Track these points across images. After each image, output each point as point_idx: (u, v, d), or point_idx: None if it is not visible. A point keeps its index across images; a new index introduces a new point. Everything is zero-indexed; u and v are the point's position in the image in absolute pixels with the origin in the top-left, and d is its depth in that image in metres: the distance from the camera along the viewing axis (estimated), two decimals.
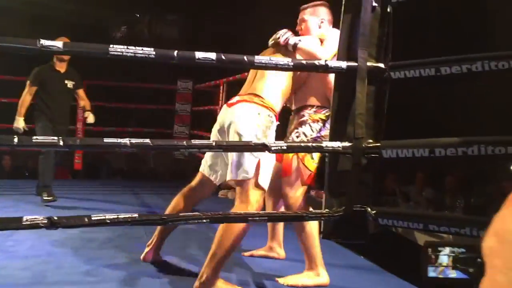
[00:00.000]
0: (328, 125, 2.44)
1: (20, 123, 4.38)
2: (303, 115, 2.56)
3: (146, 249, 2.71)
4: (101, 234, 3.28)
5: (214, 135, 2.48)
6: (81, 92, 4.70)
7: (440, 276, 2.60)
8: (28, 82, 4.40)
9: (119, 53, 1.64)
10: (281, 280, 2.53)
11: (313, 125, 2.52)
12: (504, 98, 4.88)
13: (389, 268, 2.96)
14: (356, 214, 2.04)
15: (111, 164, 7.65)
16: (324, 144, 1.94)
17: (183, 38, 8.78)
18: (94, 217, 1.75)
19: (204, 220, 1.99)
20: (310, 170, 2.49)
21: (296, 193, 2.51)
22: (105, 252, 2.92)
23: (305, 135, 2.51)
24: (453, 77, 1.86)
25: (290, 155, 2.50)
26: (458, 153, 1.76)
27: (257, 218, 2.10)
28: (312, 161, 2.49)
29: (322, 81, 2.48)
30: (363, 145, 1.94)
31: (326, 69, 1.88)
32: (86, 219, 1.73)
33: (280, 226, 2.95)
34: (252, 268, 2.78)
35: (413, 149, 1.86)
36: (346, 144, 1.95)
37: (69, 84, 4.52)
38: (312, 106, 2.55)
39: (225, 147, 1.89)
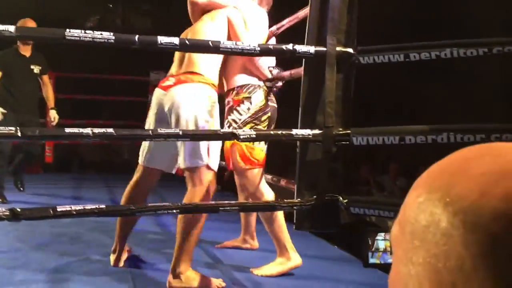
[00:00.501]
0: (260, 103, 2.48)
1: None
2: (229, 102, 2.55)
3: (112, 256, 2.54)
4: (70, 228, 3.20)
5: (152, 122, 2.35)
6: (45, 78, 4.33)
7: (380, 261, 2.62)
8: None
9: (76, 38, 1.57)
10: (255, 271, 2.50)
11: (239, 108, 2.49)
12: (475, 86, 4.94)
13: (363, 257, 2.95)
14: (328, 203, 2.02)
15: (84, 157, 7.50)
16: (294, 131, 1.91)
17: (156, 28, 8.64)
18: (60, 208, 1.69)
19: (174, 211, 1.95)
20: (257, 158, 2.49)
21: (247, 179, 2.51)
22: (75, 247, 2.85)
23: (236, 122, 2.49)
24: (427, 64, 1.85)
25: (228, 145, 2.51)
26: (428, 141, 1.75)
27: (228, 208, 2.07)
28: (258, 149, 2.49)
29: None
30: (334, 133, 1.92)
31: (293, 53, 1.84)
32: (51, 211, 1.68)
33: (253, 217, 2.92)
34: (225, 260, 2.74)
35: (383, 137, 1.84)
36: (316, 131, 1.92)
37: (36, 69, 4.18)
38: (233, 89, 2.53)
39: (192, 136, 1.84)
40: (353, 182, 5.84)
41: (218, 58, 2.34)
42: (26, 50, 4.13)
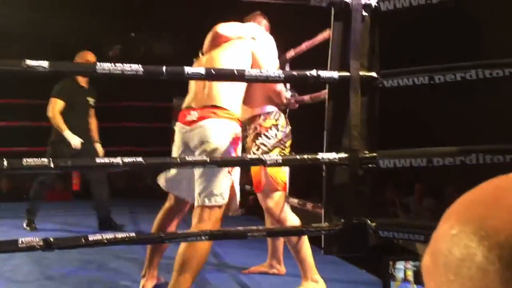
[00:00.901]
0: (284, 129, 2.53)
1: (73, 138, 4.01)
2: (256, 127, 2.57)
3: (142, 281, 2.52)
4: (99, 256, 3.23)
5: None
6: (93, 111, 4.36)
7: None
8: (53, 98, 4.03)
9: (106, 71, 1.62)
10: None
11: (268, 134, 2.53)
12: (502, 106, 4.87)
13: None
14: (356, 226, 2.00)
15: (109, 183, 7.59)
16: (320, 155, 1.91)
17: (177, 55, 8.80)
18: (91, 237, 1.72)
19: (203, 237, 1.96)
20: (282, 181, 2.52)
21: (274, 202, 2.52)
22: (104, 274, 2.87)
23: (265, 145, 2.52)
24: (450, 85, 1.84)
25: (257, 170, 2.51)
26: (456, 162, 1.74)
27: (256, 234, 2.06)
28: (282, 173, 2.51)
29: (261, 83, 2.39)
30: (360, 156, 1.92)
31: (317, 79, 1.86)
32: (83, 240, 1.71)
33: (280, 242, 2.91)
34: (252, 286, 2.73)
35: (410, 159, 1.83)
36: (343, 155, 1.92)
37: (91, 101, 4.22)
38: (259, 115, 2.56)
39: (220, 162, 1.86)
40: (378, 204, 5.78)
41: (240, 90, 2.28)
42: (84, 82, 4.18)
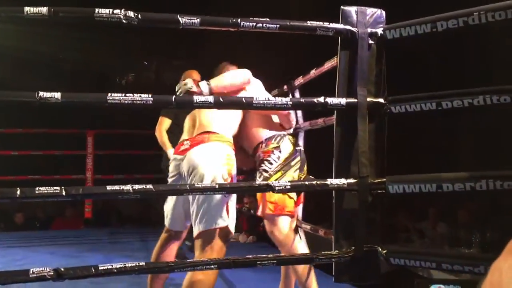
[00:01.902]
0: (288, 151, 2.53)
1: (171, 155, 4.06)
2: (259, 155, 2.56)
3: None
4: (110, 284, 3.22)
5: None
6: None
7: None
8: (161, 117, 4.04)
9: (117, 101, 1.65)
10: None
11: (270, 158, 2.52)
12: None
13: None
14: (367, 254, 1.98)
15: (121, 210, 7.62)
16: (329, 181, 1.91)
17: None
18: (101, 267, 1.72)
19: (212, 266, 1.95)
20: (289, 205, 2.48)
21: (278, 227, 2.49)
22: None
23: (266, 171, 2.49)
24: (458, 110, 1.84)
25: (260, 195, 2.52)
26: (466, 188, 1.72)
27: (266, 262, 2.05)
28: (288, 198, 2.48)
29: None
30: (369, 181, 1.91)
31: (325, 106, 1.87)
32: (93, 270, 1.71)
33: (292, 271, 2.87)
34: None
35: (420, 184, 1.82)
36: (352, 180, 1.92)
37: None
38: (261, 142, 2.56)
39: (228, 189, 1.87)
40: (391, 229, 5.71)
41: (233, 117, 2.38)
42: None
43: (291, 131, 2.68)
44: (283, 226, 2.49)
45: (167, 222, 2.44)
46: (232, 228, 2.21)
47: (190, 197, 2.18)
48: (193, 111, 2.47)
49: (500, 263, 0.36)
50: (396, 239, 5.29)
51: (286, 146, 2.55)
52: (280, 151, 2.52)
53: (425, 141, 6.90)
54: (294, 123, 2.66)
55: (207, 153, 2.20)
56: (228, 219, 2.17)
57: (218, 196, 2.12)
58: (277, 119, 2.60)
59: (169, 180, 2.36)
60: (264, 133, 2.57)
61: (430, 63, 6.54)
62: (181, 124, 4.01)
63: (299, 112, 2.94)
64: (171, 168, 2.35)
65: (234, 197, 2.22)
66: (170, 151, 3.90)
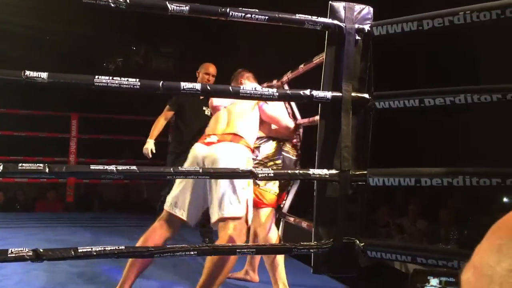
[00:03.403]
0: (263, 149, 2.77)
1: (149, 145, 4.06)
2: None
3: None
4: (89, 268, 3.23)
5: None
6: None
7: None
8: (167, 106, 4.08)
9: (104, 84, 1.65)
10: None
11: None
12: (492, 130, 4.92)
13: None
14: (345, 246, 2.02)
15: (104, 196, 7.60)
16: (311, 171, 1.94)
17: (178, 70, 8.88)
18: (81, 250, 1.73)
19: (192, 252, 1.96)
20: (269, 198, 2.73)
21: (261, 221, 2.74)
22: (93, 287, 2.86)
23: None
24: (441, 108, 1.88)
25: None
26: (444, 183, 1.76)
27: (245, 250, 2.08)
28: (268, 192, 2.72)
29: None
30: (350, 173, 1.94)
31: (311, 99, 1.90)
32: (72, 252, 1.71)
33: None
34: None
35: (399, 178, 1.86)
36: (333, 171, 1.95)
37: (207, 111, 4.03)
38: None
39: (212, 174, 1.88)
40: (372, 224, 5.78)
41: (256, 125, 2.65)
42: None
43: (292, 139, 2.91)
44: (260, 218, 2.73)
45: (185, 216, 2.43)
46: (250, 219, 2.36)
47: (210, 188, 2.33)
48: (221, 112, 2.67)
49: (482, 243, 0.38)
50: (376, 234, 5.37)
51: (266, 148, 2.80)
52: (259, 151, 2.77)
53: (411, 138, 6.99)
54: (294, 134, 2.89)
55: (232, 152, 2.38)
56: (245, 210, 2.31)
57: (239, 189, 2.29)
58: (275, 126, 2.83)
59: (185, 165, 2.46)
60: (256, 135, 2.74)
61: (419, 61, 6.61)
62: (185, 119, 4.10)
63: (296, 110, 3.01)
64: (190, 154, 2.48)
65: (251, 193, 2.39)
66: (150, 141, 4.06)
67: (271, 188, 2.74)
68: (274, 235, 2.75)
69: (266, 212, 2.74)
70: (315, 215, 2.08)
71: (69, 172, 1.83)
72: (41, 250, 1.66)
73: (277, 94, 1.90)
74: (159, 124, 4.10)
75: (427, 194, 6.12)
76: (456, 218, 5.41)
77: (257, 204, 2.66)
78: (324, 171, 1.94)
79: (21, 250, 1.63)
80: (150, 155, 4.07)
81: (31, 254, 1.63)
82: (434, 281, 2.58)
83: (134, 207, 7.16)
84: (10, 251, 1.62)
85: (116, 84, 1.68)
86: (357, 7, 2.01)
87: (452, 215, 5.39)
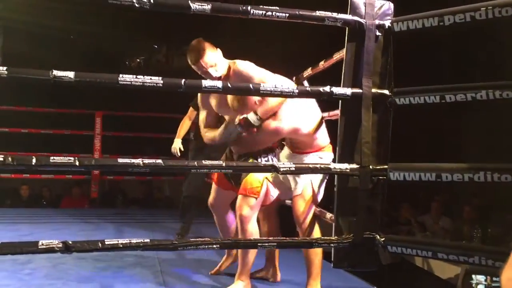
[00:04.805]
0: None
1: (177, 144, 4.18)
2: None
3: None
4: (114, 262, 3.30)
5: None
6: None
7: None
8: (190, 107, 4.19)
9: (128, 82, 1.71)
10: None
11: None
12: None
13: None
14: (366, 241, 2.03)
15: (127, 193, 7.71)
16: (332, 165, 1.96)
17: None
18: (108, 242, 1.79)
19: (214, 246, 2.01)
20: (255, 187, 2.56)
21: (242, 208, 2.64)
22: (118, 281, 2.93)
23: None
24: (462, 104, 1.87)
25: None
26: (465, 179, 1.76)
27: (266, 244, 2.11)
28: (255, 181, 2.56)
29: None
30: (371, 168, 1.96)
31: (330, 95, 1.91)
32: (99, 244, 1.78)
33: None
34: None
35: (420, 173, 1.86)
36: (354, 166, 1.97)
37: None
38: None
39: (234, 167, 1.92)
40: (394, 222, 5.75)
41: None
42: None
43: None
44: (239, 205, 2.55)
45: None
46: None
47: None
48: None
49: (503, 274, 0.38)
50: (398, 232, 5.34)
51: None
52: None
53: (432, 133, 6.91)
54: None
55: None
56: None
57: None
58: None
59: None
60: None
61: (442, 57, 6.52)
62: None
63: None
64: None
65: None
66: (177, 140, 4.17)
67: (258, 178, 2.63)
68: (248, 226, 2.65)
69: (244, 199, 2.58)
70: (335, 210, 2.10)
71: (98, 165, 1.89)
72: (70, 242, 1.73)
73: (297, 91, 1.93)
74: (185, 124, 4.22)
75: (450, 191, 6.04)
76: (480, 216, 5.34)
77: (242, 191, 2.55)
78: (345, 165, 1.96)
79: (51, 242, 1.71)
80: (179, 154, 4.18)
81: (60, 246, 1.70)
82: (479, 278, 2.58)
83: (156, 204, 7.27)
84: (40, 243, 1.70)
85: (140, 82, 1.73)
86: (378, 2, 2.02)
87: (475, 212, 5.33)
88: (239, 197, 2.51)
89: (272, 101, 2.34)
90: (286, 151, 2.69)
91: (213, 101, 2.55)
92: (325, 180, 2.56)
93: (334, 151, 2.43)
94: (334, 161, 2.34)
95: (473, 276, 2.66)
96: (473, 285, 2.63)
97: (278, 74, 2.83)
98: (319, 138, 2.56)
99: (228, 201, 2.81)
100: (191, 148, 4.38)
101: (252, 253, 2.58)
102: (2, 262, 2.74)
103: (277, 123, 2.42)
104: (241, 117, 2.35)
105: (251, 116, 2.32)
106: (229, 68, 2.39)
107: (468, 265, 3.50)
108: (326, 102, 2.67)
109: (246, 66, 2.39)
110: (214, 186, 2.79)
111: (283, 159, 2.65)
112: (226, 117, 2.57)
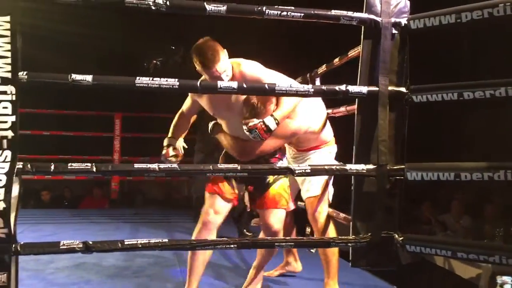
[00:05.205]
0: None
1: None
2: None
3: None
4: (134, 262, 3.34)
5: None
6: None
7: None
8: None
9: (145, 85, 1.73)
10: None
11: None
12: None
13: None
14: (384, 240, 2.02)
15: (146, 193, 7.80)
16: (348, 166, 1.96)
17: None
18: (127, 242, 1.82)
19: (232, 246, 2.01)
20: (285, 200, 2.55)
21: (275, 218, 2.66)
22: (139, 280, 2.97)
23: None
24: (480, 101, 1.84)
25: None
26: (484, 178, 1.74)
27: (283, 244, 2.12)
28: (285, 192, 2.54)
29: None
30: (388, 168, 1.94)
31: (346, 94, 1.91)
32: (119, 244, 1.81)
33: None
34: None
35: (438, 172, 1.84)
36: (371, 166, 1.96)
37: None
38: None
39: (249, 171, 1.93)
40: (414, 221, 5.69)
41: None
42: None
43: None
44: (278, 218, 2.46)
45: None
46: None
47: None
48: None
49: None
50: (418, 231, 5.28)
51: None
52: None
53: (448, 130, 6.83)
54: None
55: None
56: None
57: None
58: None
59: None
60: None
61: (458, 54, 6.44)
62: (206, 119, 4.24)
63: None
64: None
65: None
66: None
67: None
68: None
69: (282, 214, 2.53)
70: (352, 210, 2.09)
71: (115, 171, 1.92)
72: (90, 242, 1.75)
73: (312, 90, 1.92)
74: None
75: (472, 190, 5.95)
76: (503, 215, 5.25)
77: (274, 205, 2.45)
78: (361, 166, 1.95)
79: (72, 243, 1.74)
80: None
81: (81, 246, 1.74)
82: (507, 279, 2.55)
83: (175, 204, 7.33)
84: (62, 243, 1.73)
85: (156, 84, 1.75)
86: (394, 0, 2.00)
87: (497, 211, 5.24)
88: (269, 212, 2.38)
89: (288, 102, 2.24)
90: (290, 151, 2.67)
91: (205, 101, 2.33)
92: (333, 177, 2.57)
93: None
94: (346, 160, 2.28)
95: (498, 276, 2.62)
96: (498, 285, 2.59)
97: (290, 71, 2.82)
98: (324, 132, 2.56)
99: (225, 215, 2.45)
100: (196, 149, 4.37)
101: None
102: (26, 262, 2.79)
103: (296, 123, 2.35)
104: (254, 123, 2.18)
105: (270, 121, 2.18)
106: (232, 69, 2.22)
107: (490, 265, 3.46)
108: (329, 100, 2.66)
109: (253, 69, 2.24)
110: (212, 197, 2.40)
111: (290, 160, 2.65)
112: (221, 121, 2.40)
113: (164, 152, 2.32)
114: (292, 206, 2.76)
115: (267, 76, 2.22)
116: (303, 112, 2.38)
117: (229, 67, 2.19)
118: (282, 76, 2.35)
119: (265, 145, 2.32)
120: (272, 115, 2.20)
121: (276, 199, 2.39)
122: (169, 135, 2.44)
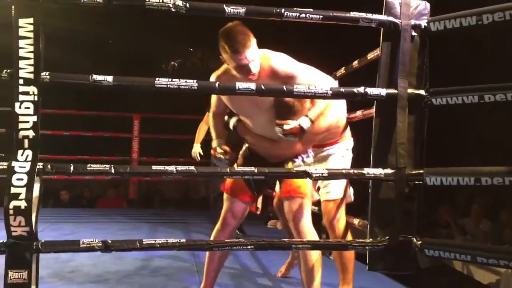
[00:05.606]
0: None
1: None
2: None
3: None
4: (152, 262, 3.37)
5: None
6: None
7: None
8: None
9: (164, 86, 1.75)
10: None
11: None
12: None
13: None
14: (401, 244, 2.00)
15: (164, 193, 7.85)
16: (365, 171, 1.94)
17: None
18: (145, 241, 1.83)
19: (249, 247, 2.02)
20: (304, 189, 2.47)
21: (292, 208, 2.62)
22: (156, 280, 2.99)
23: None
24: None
25: None
26: (505, 183, 1.71)
27: (300, 246, 2.11)
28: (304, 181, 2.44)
29: None
30: (406, 172, 1.93)
31: (365, 96, 1.90)
32: (137, 243, 1.83)
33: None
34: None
35: (457, 177, 1.82)
36: (389, 171, 1.94)
37: None
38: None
39: (267, 174, 1.93)
40: (432, 225, 5.63)
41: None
42: None
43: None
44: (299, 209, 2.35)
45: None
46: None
47: None
48: None
49: None
50: (437, 235, 5.22)
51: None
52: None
53: (468, 133, 6.74)
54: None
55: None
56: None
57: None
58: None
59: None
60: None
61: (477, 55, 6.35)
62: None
63: None
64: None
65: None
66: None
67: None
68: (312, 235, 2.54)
69: (299, 203, 2.39)
70: (370, 213, 2.08)
71: (132, 173, 1.94)
72: (110, 242, 1.78)
73: (330, 92, 1.92)
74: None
75: (491, 194, 5.86)
76: None
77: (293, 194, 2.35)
78: (379, 171, 1.94)
79: (91, 241, 1.77)
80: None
81: (100, 245, 1.76)
82: None
83: (192, 204, 7.37)
84: (81, 242, 1.76)
85: (175, 85, 1.77)
86: (413, 2, 1.99)
87: None
88: (286, 201, 2.31)
89: (321, 101, 2.14)
90: None
91: (227, 97, 2.23)
92: None
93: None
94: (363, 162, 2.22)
95: None
96: None
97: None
98: (341, 127, 2.56)
99: (243, 218, 2.42)
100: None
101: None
102: (46, 260, 2.84)
103: (327, 120, 2.30)
104: (291, 127, 2.08)
105: (305, 122, 2.10)
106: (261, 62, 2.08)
107: (510, 270, 3.40)
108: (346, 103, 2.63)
109: (285, 65, 2.11)
110: (231, 200, 2.34)
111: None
112: (245, 118, 2.30)
113: (212, 152, 2.27)
114: (316, 196, 2.64)
115: (301, 72, 2.12)
116: (334, 108, 2.32)
117: (258, 58, 2.04)
118: (315, 70, 2.28)
119: (297, 144, 2.26)
120: (307, 115, 2.13)
121: (290, 187, 2.29)
122: (214, 137, 2.34)
